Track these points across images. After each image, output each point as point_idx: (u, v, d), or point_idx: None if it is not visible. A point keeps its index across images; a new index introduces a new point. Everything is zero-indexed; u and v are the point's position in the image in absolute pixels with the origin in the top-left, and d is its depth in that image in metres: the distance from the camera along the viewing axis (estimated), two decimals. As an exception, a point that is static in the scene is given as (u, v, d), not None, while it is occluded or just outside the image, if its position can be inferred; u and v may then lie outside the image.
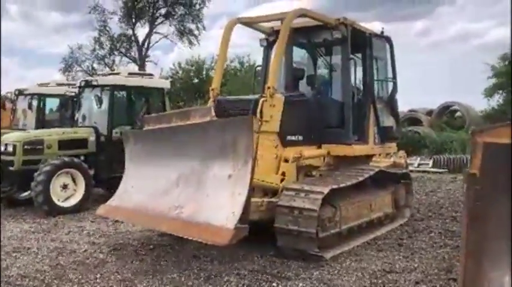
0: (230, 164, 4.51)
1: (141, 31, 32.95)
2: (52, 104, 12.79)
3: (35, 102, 11.77)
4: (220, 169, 4.62)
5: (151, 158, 5.63)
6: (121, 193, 5.94)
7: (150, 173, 5.54)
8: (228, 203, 4.34)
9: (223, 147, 4.63)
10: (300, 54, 8.06)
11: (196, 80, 31.61)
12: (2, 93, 13.30)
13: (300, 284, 4.60)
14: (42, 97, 11.94)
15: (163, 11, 32.37)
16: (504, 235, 2.61)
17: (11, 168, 8.43)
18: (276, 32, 6.99)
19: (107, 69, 31.50)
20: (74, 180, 8.41)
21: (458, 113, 23.55)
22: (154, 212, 5.10)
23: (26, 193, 8.39)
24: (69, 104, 11.59)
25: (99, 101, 9.37)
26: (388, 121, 7.62)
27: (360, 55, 7.23)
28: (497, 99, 22.58)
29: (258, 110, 5.66)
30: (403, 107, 22.35)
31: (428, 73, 52.27)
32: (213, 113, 4.99)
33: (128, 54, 33.51)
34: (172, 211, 4.84)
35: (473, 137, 2.61)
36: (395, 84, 7.67)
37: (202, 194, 4.71)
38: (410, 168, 12.50)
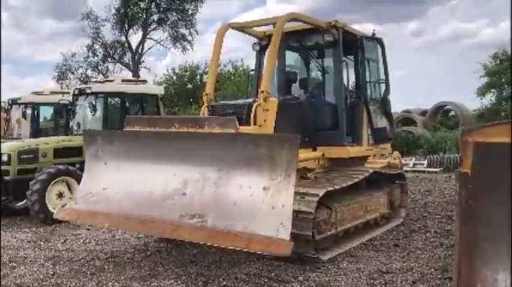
0: (265, 177, 4.40)
1: (134, 37, 33.06)
2: (46, 112, 12.77)
3: (29, 111, 11.74)
4: (250, 181, 4.47)
5: (138, 161, 5.24)
6: (87, 195, 5.45)
7: (135, 177, 5.18)
8: (270, 214, 4.26)
9: (254, 160, 4.48)
10: (292, 58, 8.10)
11: (190, 86, 31.63)
12: None
13: (298, 287, 4.63)
14: (36, 106, 11.92)
15: (155, 17, 32.45)
16: (497, 233, 2.63)
17: (6, 177, 8.41)
18: (268, 37, 7.03)
19: (101, 76, 31.49)
20: (69, 188, 8.38)
21: (452, 113, 23.69)
22: (157, 219, 4.77)
23: (21, 202, 8.36)
24: (64, 112, 11.58)
25: (93, 108, 9.39)
26: (382, 122, 7.66)
27: (352, 57, 7.28)
28: (489, 98, 22.77)
29: (252, 115, 5.70)
30: (397, 107, 22.50)
31: (421, 73, 52.62)
32: (238, 125, 4.86)
33: (122, 61, 33.53)
34: (186, 219, 4.59)
35: (463, 136, 2.64)
36: (387, 85, 7.72)
37: (226, 203, 4.52)
38: (406, 168, 12.57)
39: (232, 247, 4.43)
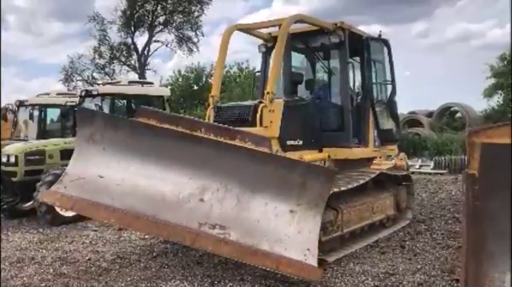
0: (293, 201, 4.41)
1: (141, 40, 33.17)
2: (53, 114, 12.82)
3: (36, 113, 11.81)
4: (277, 202, 4.46)
5: (147, 155, 4.84)
6: (78, 181, 4.88)
7: (141, 172, 4.81)
8: (296, 238, 4.31)
9: (285, 183, 4.46)
10: (298, 59, 8.10)
11: (196, 87, 31.69)
12: (2, 104, 13.38)
13: (304, 288, 4.62)
14: (43, 108, 11.98)
15: (162, 19, 32.56)
16: (504, 234, 2.62)
17: (13, 179, 8.48)
18: (274, 38, 7.03)
19: (107, 78, 31.61)
20: (76, 189, 8.41)
21: (458, 114, 23.58)
22: (172, 222, 4.53)
23: (28, 203, 8.42)
24: (70, 114, 11.62)
25: (100, 110, 9.43)
26: (388, 123, 7.65)
27: (358, 58, 7.27)
28: (496, 100, 22.67)
29: (258, 116, 5.70)
30: (403, 109, 22.44)
31: (428, 74, 52.44)
32: (273, 146, 4.77)
33: (128, 63, 33.64)
34: (206, 228, 4.45)
35: (470, 137, 2.64)
36: (394, 86, 7.70)
37: (248, 219, 4.45)
38: (412, 170, 12.52)
39: (260, 266, 4.42)
